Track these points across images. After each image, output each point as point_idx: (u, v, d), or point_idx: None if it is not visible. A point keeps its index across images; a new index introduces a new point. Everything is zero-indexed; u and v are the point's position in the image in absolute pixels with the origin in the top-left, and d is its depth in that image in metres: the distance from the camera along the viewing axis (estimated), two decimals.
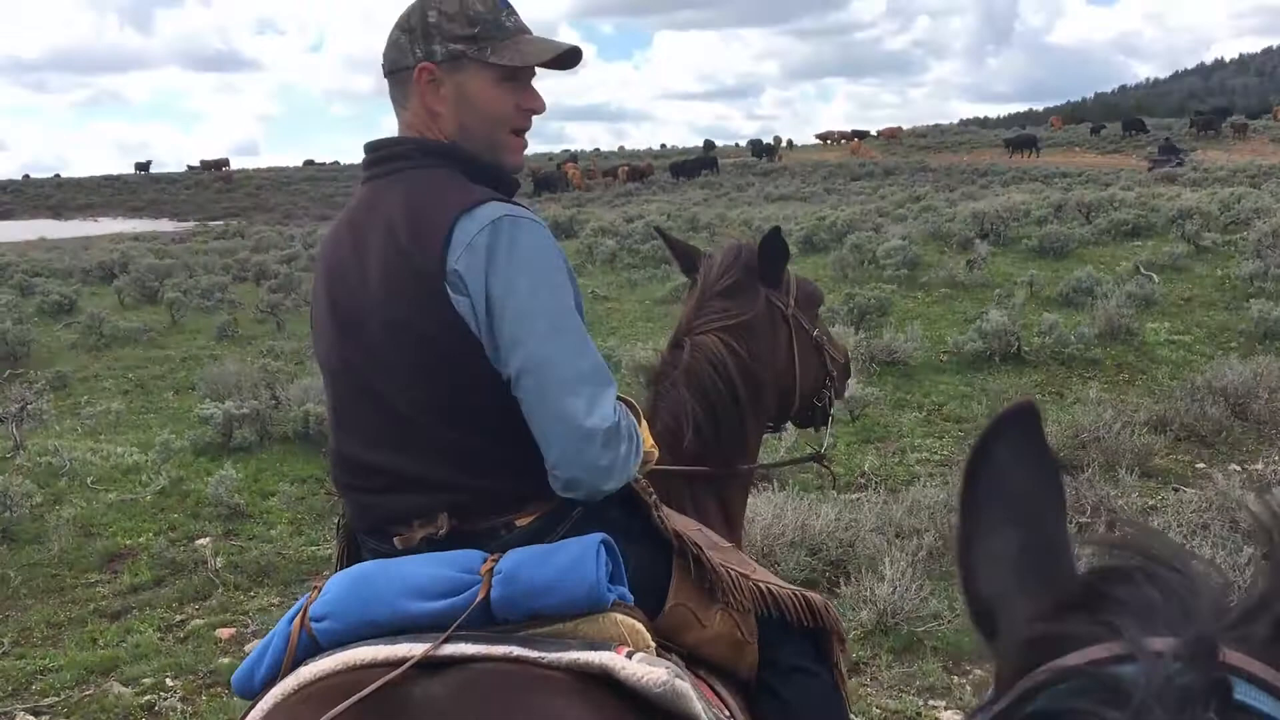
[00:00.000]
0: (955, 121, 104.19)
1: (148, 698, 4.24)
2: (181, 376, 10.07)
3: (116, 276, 16.06)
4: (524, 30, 1.87)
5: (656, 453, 1.95)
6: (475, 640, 1.61)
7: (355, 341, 1.81)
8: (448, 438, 1.77)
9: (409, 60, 1.82)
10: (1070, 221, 15.20)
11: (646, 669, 1.59)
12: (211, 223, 41.64)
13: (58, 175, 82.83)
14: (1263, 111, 63.87)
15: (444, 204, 1.74)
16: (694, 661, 1.86)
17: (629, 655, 1.62)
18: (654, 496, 1.93)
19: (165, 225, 43.22)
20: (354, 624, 1.68)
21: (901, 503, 5.62)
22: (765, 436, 2.66)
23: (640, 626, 1.72)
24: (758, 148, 62.58)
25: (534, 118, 1.92)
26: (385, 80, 1.91)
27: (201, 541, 5.85)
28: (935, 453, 7.03)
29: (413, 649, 1.57)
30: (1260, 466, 6.36)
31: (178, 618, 5.02)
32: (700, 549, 1.92)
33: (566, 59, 1.89)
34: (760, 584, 1.97)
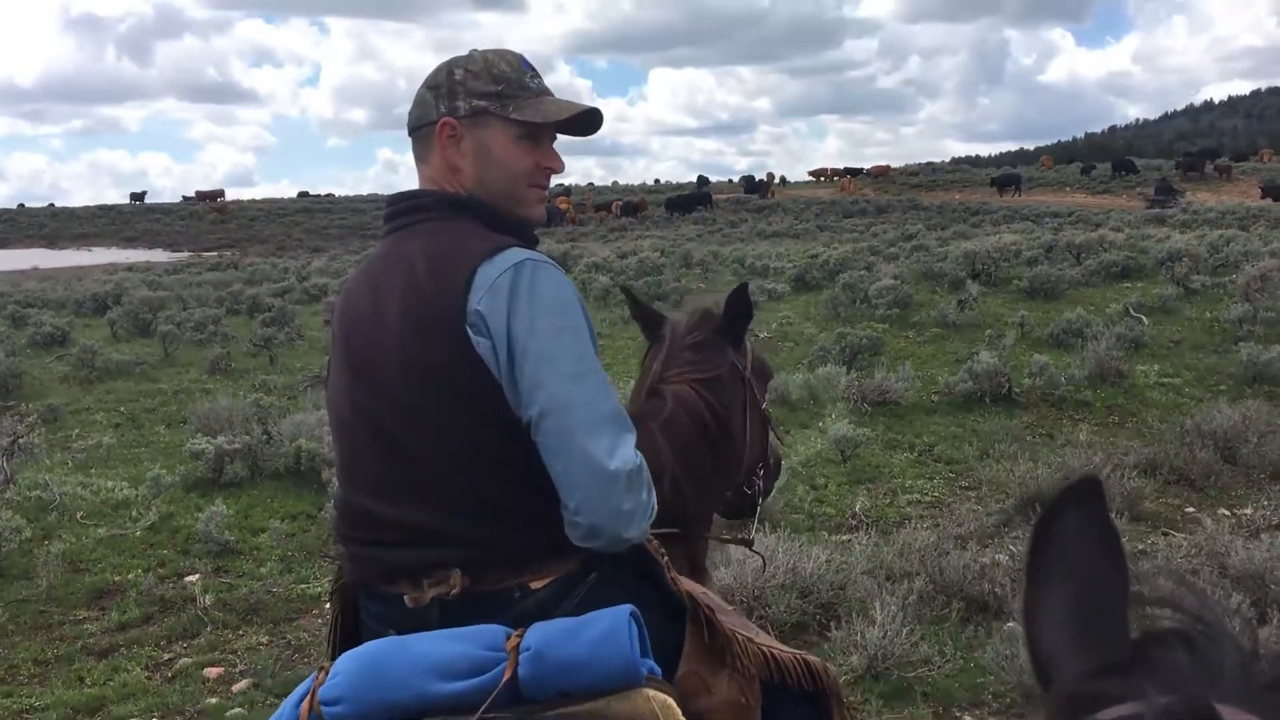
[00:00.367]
0: (947, 160, 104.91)
1: None
2: (173, 410, 10.05)
3: (110, 308, 16.05)
4: (547, 92, 1.92)
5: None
6: None
7: (370, 386, 1.82)
8: (464, 486, 1.74)
9: (433, 115, 1.86)
10: (1060, 262, 15.31)
11: None
12: (205, 253, 41.68)
13: (52, 205, 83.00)
14: (1250, 153, 64.45)
15: (465, 248, 1.77)
16: None
17: None
18: (665, 558, 1.90)
19: (159, 255, 43.21)
20: (372, 708, 1.61)
21: (893, 545, 5.62)
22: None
23: (672, 702, 1.68)
24: (750, 184, 62.88)
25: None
26: (411, 140, 1.95)
27: (191, 578, 5.82)
28: (926, 494, 7.04)
29: None
30: (1249, 511, 6.38)
31: (165, 656, 4.99)
32: (713, 612, 1.90)
33: (586, 120, 1.93)
34: (764, 648, 1.96)
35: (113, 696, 4.53)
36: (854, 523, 6.38)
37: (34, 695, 4.58)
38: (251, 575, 5.86)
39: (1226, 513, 6.40)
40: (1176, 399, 9.11)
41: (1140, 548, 5.70)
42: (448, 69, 1.89)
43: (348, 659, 1.69)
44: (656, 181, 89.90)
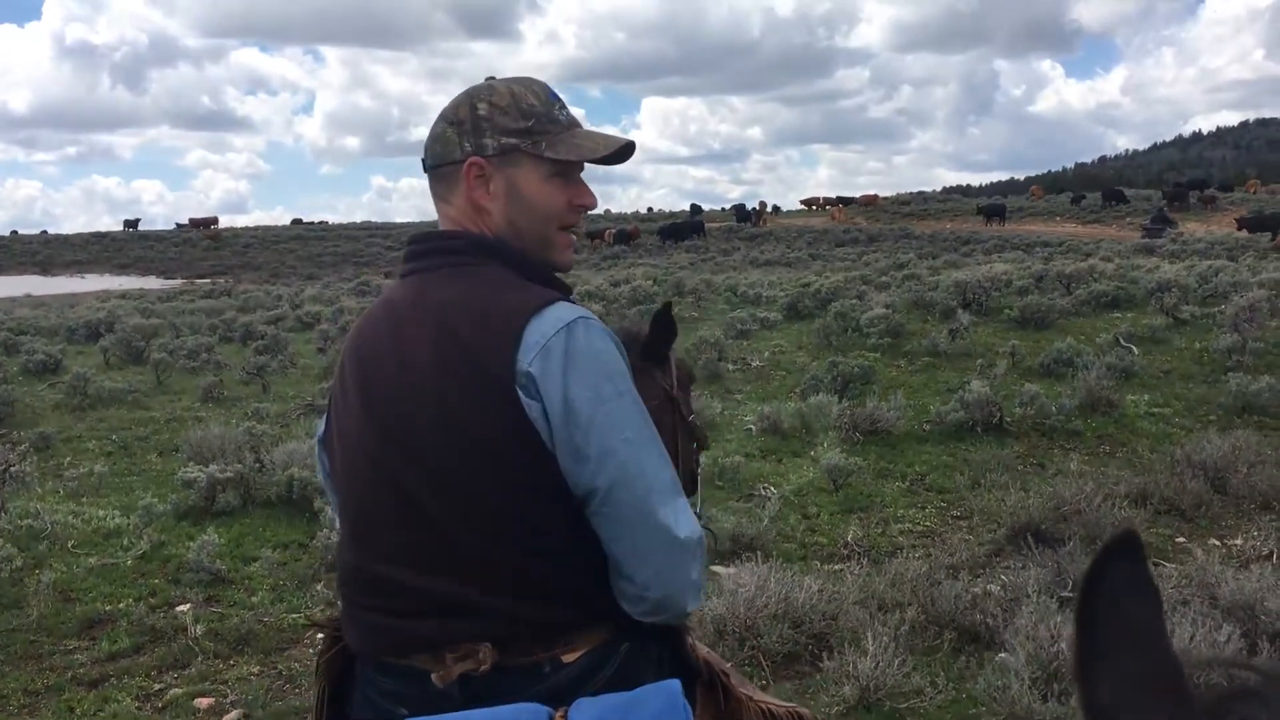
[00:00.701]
0: (939, 189, 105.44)
1: None
2: (165, 438, 10.03)
3: (102, 335, 16.04)
4: (576, 124, 1.80)
5: None
6: None
7: (396, 444, 1.66)
8: (499, 557, 1.61)
9: (456, 154, 1.74)
10: (1051, 292, 15.39)
11: None
12: (199, 280, 41.71)
13: (45, 231, 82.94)
14: (1238, 184, 64.93)
15: (509, 302, 1.64)
16: None
17: None
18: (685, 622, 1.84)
19: (152, 283, 43.20)
20: None
21: (885, 574, 5.63)
22: None
23: None
24: (741, 213, 63.13)
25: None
26: (427, 176, 1.82)
27: (182, 608, 5.80)
28: (918, 523, 7.05)
29: None
30: (1240, 542, 6.40)
31: (156, 686, 4.97)
32: (728, 677, 1.87)
33: (622, 154, 1.81)
34: (763, 704, 1.92)
35: None
36: (846, 552, 6.39)
37: None
38: (243, 605, 5.84)
39: (1217, 543, 6.42)
40: (1167, 429, 9.15)
41: None
42: (470, 103, 1.75)
43: None
44: (649, 210, 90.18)
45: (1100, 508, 6.45)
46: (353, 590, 1.75)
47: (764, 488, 7.72)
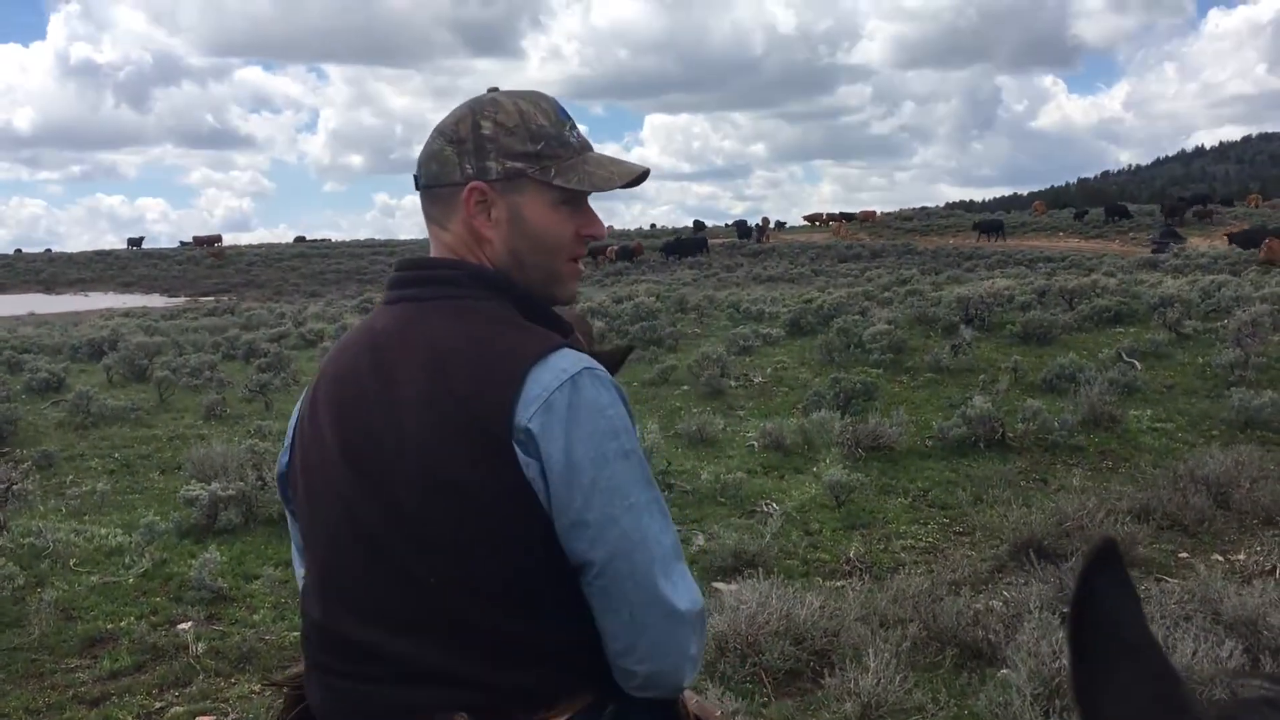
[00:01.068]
0: (941, 204, 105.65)
1: None
2: (168, 456, 10.05)
3: (105, 354, 16.07)
4: (587, 147, 1.66)
5: None
6: None
7: (374, 495, 1.52)
8: (483, 622, 1.48)
9: (456, 176, 1.59)
10: (1053, 307, 15.39)
11: None
12: (202, 298, 41.81)
13: (49, 250, 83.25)
14: (1239, 199, 64.99)
15: (510, 347, 1.51)
16: None
17: None
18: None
19: (156, 301, 43.32)
20: None
21: (887, 591, 5.62)
22: None
23: None
24: (743, 229, 63.22)
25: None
26: (420, 194, 1.67)
27: (183, 626, 5.80)
28: (920, 539, 7.04)
29: None
30: (1242, 557, 6.38)
31: (157, 705, 4.96)
32: None
33: (635, 182, 1.67)
34: None
35: None
36: (848, 568, 6.38)
37: None
38: (244, 623, 5.84)
39: (1220, 558, 6.41)
40: (1169, 444, 9.13)
41: None
42: (472, 119, 1.60)
43: None
44: (652, 226, 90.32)
45: (1103, 523, 6.44)
46: (318, 650, 1.61)
47: (766, 504, 7.71)
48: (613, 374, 2.13)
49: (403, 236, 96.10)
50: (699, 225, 73.85)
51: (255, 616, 5.92)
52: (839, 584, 6.07)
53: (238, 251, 71.39)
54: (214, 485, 7.56)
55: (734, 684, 4.71)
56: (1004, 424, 9.11)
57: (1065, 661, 4.32)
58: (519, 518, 1.46)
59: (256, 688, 5.07)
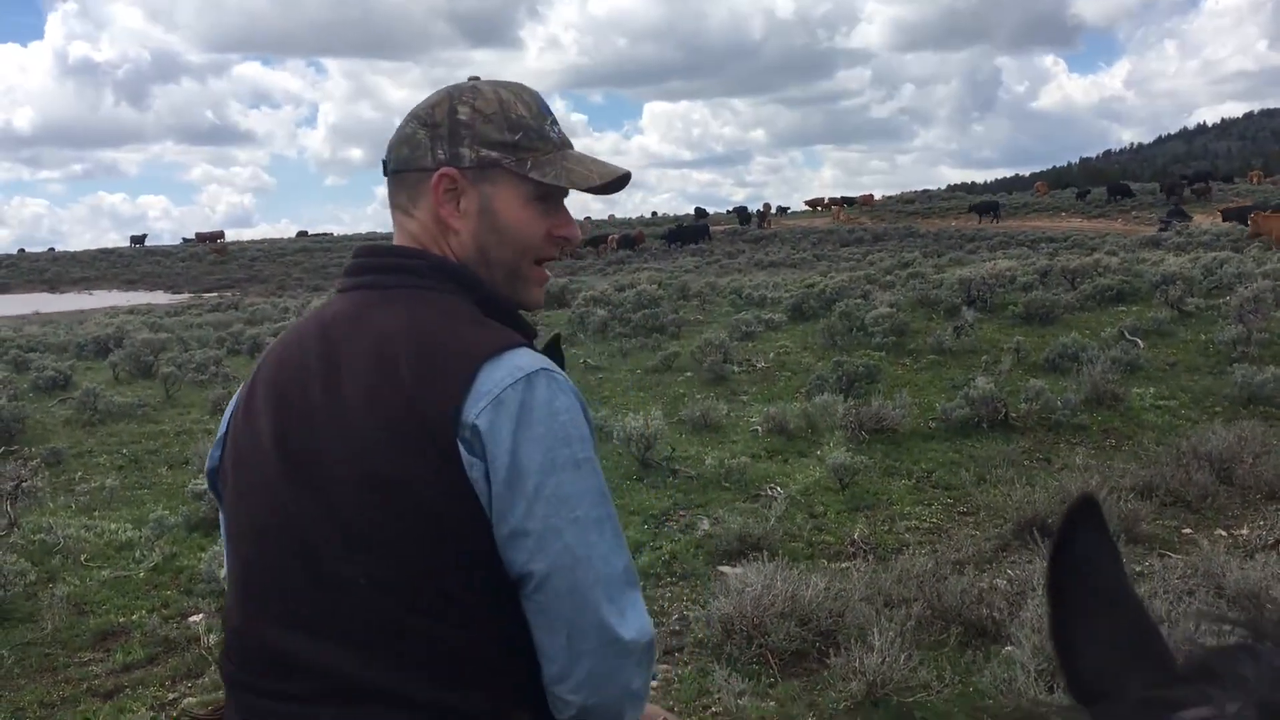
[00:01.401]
0: (943, 187, 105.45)
1: None
2: (175, 451, 10.10)
3: (111, 351, 16.12)
4: (568, 144, 1.59)
5: None
6: None
7: (309, 492, 1.42)
8: (419, 634, 1.38)
9: (427, 161, 1.52)
10: (1056, 287, 15.39)
11: None
12: (206, 295, 41.86)
13: (53, 249, 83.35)
14: (1239, 175, 64.81)
15: (464, 340, 1.43)
16: None
17: None
18: None
19: (160, 298, 43.39)
20: None
21: (891, 571, 5.66)
22: None
23: None
24: (743, 215, 63.14)
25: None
26: (387, 179, 1.59)
27: (194, 618, 5.86)
28: (924, 520, 7.08)
29: None
30: (1245, 532, 6.41)
31: (171, 696, 5.02)
32: None
33: (615, 185, 1.59)
34: None
35: None
36: (852, 550, 6.42)
37: None
38: None
39: (1223, 533, 6.44)
40: (1172, 421, 9.16)
41: (1138, 570, 5.74)
42: (449, 104, 1.53)
43: None
44: (654, 214, 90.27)
45: (1106, 501, 6.46)
46: (239, 667, 1.50)
47: (770, 488, 7.75)
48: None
49: None
50: (700, 212, 73.76)
51: None
52: (844, 565, 6.11)
53: (240, 247, 71.46)
54: None
55: (740, 665, 4.76)
56: (1007, 404, 9.14)
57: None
58: (460, 521, 1.36)
59: None
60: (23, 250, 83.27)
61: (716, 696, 4.51)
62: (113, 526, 7.44)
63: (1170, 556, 5.92)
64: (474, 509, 1.36)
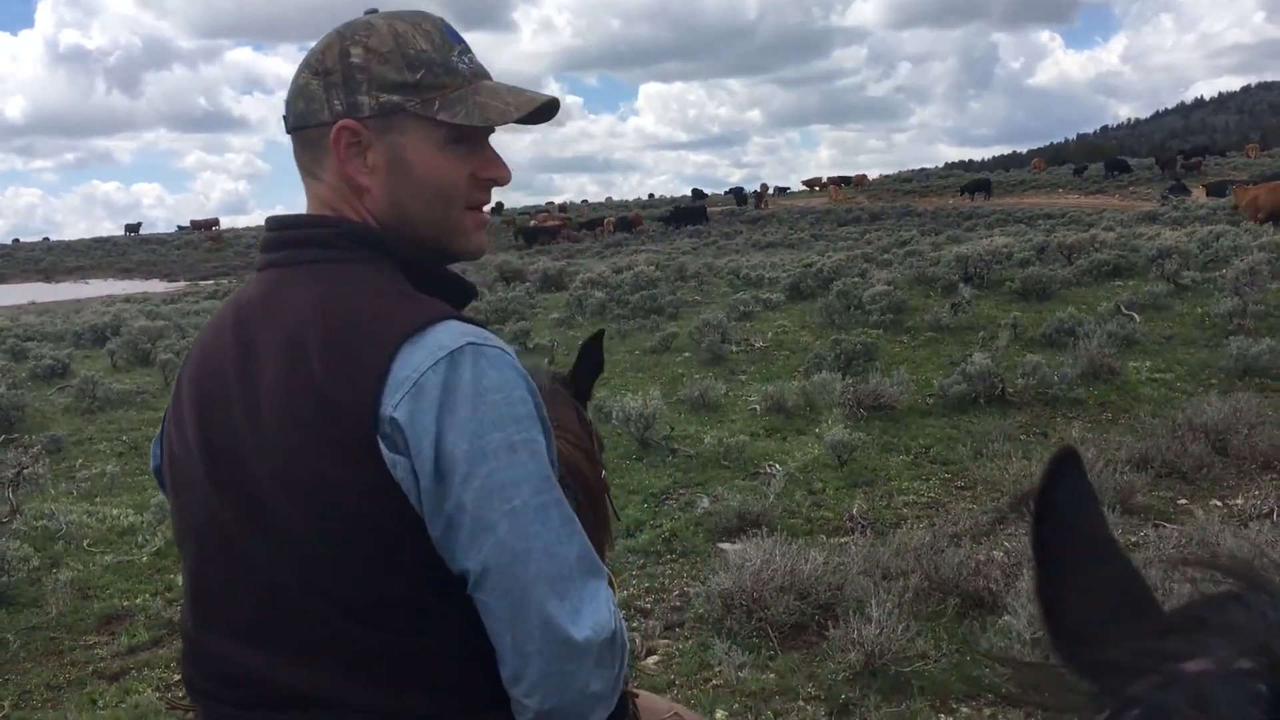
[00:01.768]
0: (940, 165, 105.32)
1: None
2: None
3: (108, 339, 16.14)
4: (482, 74, 1.42)
5: None
6: None
7: (233, 496, 1.33)
8: (362, 641, 1.29)
9: (324, 114, 1.36)
10: (1052, 263, 15.41)
11: None
12: (202, 282, 41.84)
13: (47, 239, 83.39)
14: (1235, 149, 64.72)
15: (378, 320, 1.28)
16: None
17: None
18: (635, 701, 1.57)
19: (156, 286, 43.38)
20: None
21: (889, 545, 5.70)
22: None
23: None
24: (740, 196, 63.10)
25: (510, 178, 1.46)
26: (289, 137, 1.44)
27: None
28: (922, 495, 7.12)
29: None
30: (1240, 502, 6.45)
31: (176, 677, 5.06)
32: None
33: (541, 114, 1.44)
34: None
35: (126, 718, 4.61)
36: (851, 525, 6.46)
37: (48, 719, 4.66)
38: None
39: (1218, 503, 6.48)
40: (1168, 394, 9.19)
41: (1133, 540, 5.78)
42: (340, 46, 1.36)
43: None
44: (650, 196, 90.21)
45: (1102, 472, 6.50)
46: (194, 671, 1.43)
47: (769, 465, 7.79)
48: (591, 374, 2.09)
49: None
50: (698, 194, 73.72)
51: None
52: (842, 540, 6.15)
53: (236, 234, 71.36)
54: None
55: (740, 639, 4.81)
56: (1004, 380, 9.17)
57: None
58: (388, 524, 1.25)
59: None
60: (17, 240, 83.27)
61: (717, 669, 4.55)
62: (114, 512, 7.48)
63: (1165, 526, 5.96)
64: (402, 509, 1.24)
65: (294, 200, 1.43)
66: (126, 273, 55.67)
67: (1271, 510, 6.07)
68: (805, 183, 73.27)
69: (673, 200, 72.65)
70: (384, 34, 1.36)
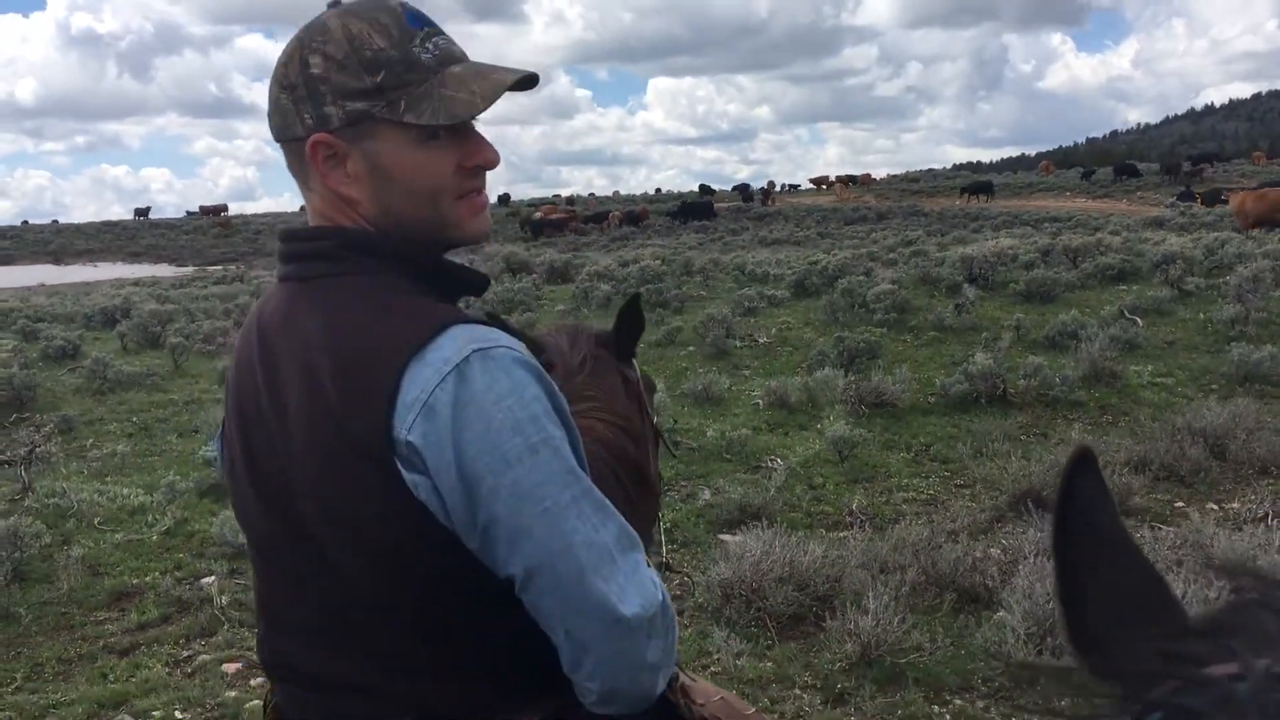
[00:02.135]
0: (949, 166, 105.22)
1: None
2: (184, 420, 10.24)
3: (119, 321, 16.25)
4: (450, 59, 1.36)
5: None
6: None
7: (281, 514, 1.38)
8: (409, 647, 1.35)
9: (298, 129, 1.34)
10: (1057, 266, 15.47)
11: None
12: (210, 268, 41.95)
13: (56, 221, 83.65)
14: (1241, 155, 64.62)
15: (383, 339, 1.28)
16: None
17: None
18: (681, 681, 1.61)
19: (164, 270, 43.50)
20: None
21: (887, 540, 5.79)
22: None
23: None
24: (745, 193, 63.13)
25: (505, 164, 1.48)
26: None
27: (207, 580, 5.99)
28: (921, 492, 7.20)
29: None
30: (1236, 505, 6.53)
31: (185, 653, 5.16)
32: None
33: (519, 87, 1.39)
34: None
35: (135, 691, 4.71)
36: (850, 520, 6.55)
37: (59, 691, 4.76)
38: None
39: (1214, 507, 6.56)
40: (1169, 398, 9.26)
41: None
42: (300, 54, 1.33)
43: None
44: (658, 191, 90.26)
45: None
46: (265, 656, 1.53)
47: (771, 460, 7.88)
48: (631, 336, 2.12)
49: None
50: (705, 189, 73.73)
51: None
52: (841, 534, 6.24)
53: (244, 220, 71.53)
54: None
55: (739, 628, 4.90)
56: (1005, 380, 9.25)
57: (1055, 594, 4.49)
58: (410, 541, 1.29)
59: None
60: (26, 222, 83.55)
61: (716, 657, 4.65)
62: (125, 491, 7.59)
63: (1161, 528, 6.05)
64: (430, 528, 1.27)
65: None
66: (135, 257, 55.80)
67: (1267, 514, 6.14)
68: (813, 181, 73.31)
69: (679, 195, 72.69)
70: (339, 38, 1.31)
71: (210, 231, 64.05)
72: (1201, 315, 12.06)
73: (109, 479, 8.17)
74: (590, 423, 1.88)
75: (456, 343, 1.26)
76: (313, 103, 1.32)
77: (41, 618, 5.59)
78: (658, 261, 19.83)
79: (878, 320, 12.66)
